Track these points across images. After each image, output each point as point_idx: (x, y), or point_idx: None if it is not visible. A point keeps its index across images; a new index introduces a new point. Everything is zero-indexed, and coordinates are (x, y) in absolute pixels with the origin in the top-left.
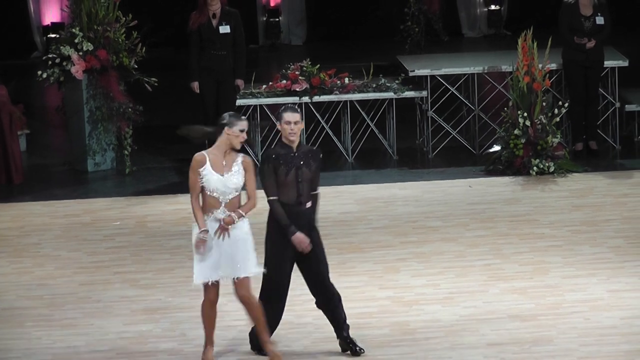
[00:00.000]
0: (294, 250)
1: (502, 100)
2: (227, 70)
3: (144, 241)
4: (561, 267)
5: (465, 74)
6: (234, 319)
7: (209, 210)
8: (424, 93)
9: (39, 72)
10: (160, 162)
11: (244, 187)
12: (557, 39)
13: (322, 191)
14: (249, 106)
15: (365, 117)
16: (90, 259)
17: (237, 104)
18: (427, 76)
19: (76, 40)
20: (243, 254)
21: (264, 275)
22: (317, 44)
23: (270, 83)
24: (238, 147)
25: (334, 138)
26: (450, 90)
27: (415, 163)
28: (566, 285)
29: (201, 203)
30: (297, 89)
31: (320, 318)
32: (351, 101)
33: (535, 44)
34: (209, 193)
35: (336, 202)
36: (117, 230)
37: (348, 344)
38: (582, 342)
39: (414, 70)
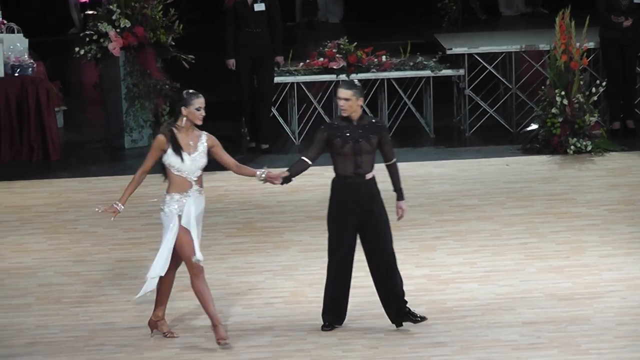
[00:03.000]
0: (355, 224)
1: (540, 78)
2: (263, 47)
3: None
4: (598, 246)
5: (502, 53)
6: (271, 296)
7: (181, 189)
8: (461, 71)
9: (76, 49)
10: None
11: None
12: (595, 17)
13: None
14: (285, 84)
15: (402, 95)
16: (127, 235)
17: (274, 82)
18: (464, 54)
19: (113, 17)
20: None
21: (330, 252)
22: (354, 22)
23: (307, 61)
24: (199, 123)
25: (371, 116)
26: (487, 68)
27: (452, 141)
28: (603, 264)
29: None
30: (334, 67)
31: (356, 296)
32: (388, 79)
33: (572, 22)
34: (176, 173)
35: None
36: (153, 207)
37: (406, 315)
38: (618, 322)
39: (451, 49)
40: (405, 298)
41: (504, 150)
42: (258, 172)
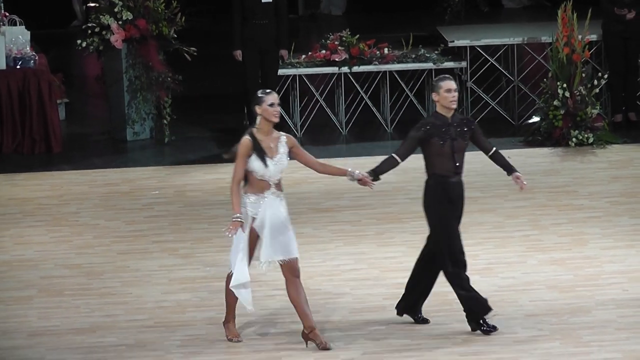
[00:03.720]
0: (454, 218)
1: (542, 71)
2: (270, 39)
3: (182, 210)
4: (600, 239)
5: (504, 45)
6: (273, 289)
7: (259, 191)
8: (464, 64)
9: (79, 41)
10: (199, 131)
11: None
12: (597, 10)
13: (361, 162)
14: (288, 76)
15: (405, 88)
16: (129, 228)
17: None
18: (466, 47)
19: (116, 10)
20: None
21: (436, 244)
22: (357, 14)
23: (310, 53)
24: (275, 120)
25: (373, 108)
26: (489, 61)
27: None
28: (605, 256)
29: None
30: (337, 59)
31: (358, 288)
32: (390, 71)
33: (575, 15)
34: (258, 177)
35: None
36: (155, 199)
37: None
38: (620, 314)
39: (453, 41)
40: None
41: (506, 143)
42: (349, 171)
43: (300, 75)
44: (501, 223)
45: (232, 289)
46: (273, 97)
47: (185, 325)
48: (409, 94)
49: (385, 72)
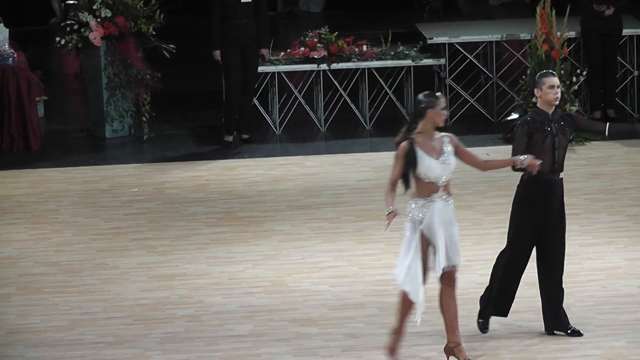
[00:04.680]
0: (542, 224)
1: (521, 68)
2: (250, 38)
3: (161, 208)
4: (579, 235)
5: (483, 42)
6: (252, 286)
7: (426, 195)
8: (442, 61)
9: (57, 39)
10: (178, 129)
11: None
12: (576, 6)
13: (340, 159)
14: (267, 73)
15: (383, 85)
16: (108, 225)
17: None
18: (445, 44)
19: (94, 7)
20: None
21: (508, 249)
22: (335, 11)
23: (289, 50)
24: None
25: (352, 105)
26: (468, 58)
27: None
28: (584, 253)
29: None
30: (315, 57)
31: (337, 285)
32: (369, 69)
33: (553, 11)
34: (425, 180)
35: (353, 169)
36: (134, 197)
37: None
38: (599, 311)
39: (432, 38)
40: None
41: (484, 140)
42: (518, 159)
43: (279, 73)
44: (480, 220)
45: (401, 286)
46: (443, 101)
47: (164, 322)
48: (387, 91)
49: (364, 69)
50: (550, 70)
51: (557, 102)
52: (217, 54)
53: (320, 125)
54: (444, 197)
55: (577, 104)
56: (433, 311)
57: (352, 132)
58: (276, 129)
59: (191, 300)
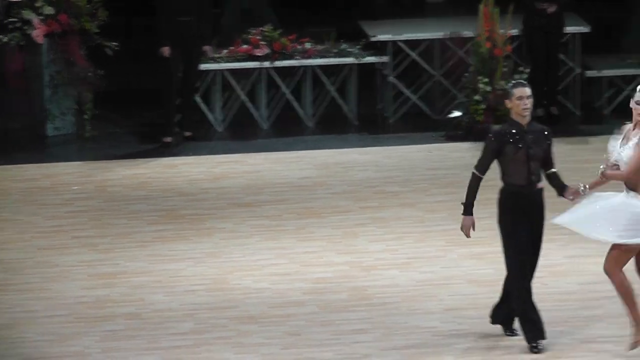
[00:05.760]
0: (527, 231)
1: (464, 65)
2: (194, 36)
3: (103, 206)
4: None
5: (426, 39)
6: (193, 284)
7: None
8: (385, 58)
9: None
10: (121, 127)
11: None
12: (518, 4)
13: (282, 156)
14: (209, 71)
15: (326, 83)
16: (49, 223)
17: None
18: (388, 41)
19: (37, 4)
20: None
21: (507, 260)
22: (279, 9)
23: (232, 48)
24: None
25: (295, 103)
26: (411, 55)
27: (375, 128)
28: None
29: None
30: (259, 54)
31: (277, 283)
32: (312, 66)
33: (497, 9)
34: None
35: (296, 167)
36: (76, 194)
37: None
38: (540, 308)
39: (375, 36)
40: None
41: (427, 137)
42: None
43: (221, 70)
44: (421, 217)
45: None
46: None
47: (104, 320)
48: (330, 88)
49: (307, 66)
50: (521, 81)
51: (527, 114)
52: (166, 50)
53: (263, 123)
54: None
55: None
56: (372, 309)
57: (294, 129)
58: (218, 127)
59: (132, 298)
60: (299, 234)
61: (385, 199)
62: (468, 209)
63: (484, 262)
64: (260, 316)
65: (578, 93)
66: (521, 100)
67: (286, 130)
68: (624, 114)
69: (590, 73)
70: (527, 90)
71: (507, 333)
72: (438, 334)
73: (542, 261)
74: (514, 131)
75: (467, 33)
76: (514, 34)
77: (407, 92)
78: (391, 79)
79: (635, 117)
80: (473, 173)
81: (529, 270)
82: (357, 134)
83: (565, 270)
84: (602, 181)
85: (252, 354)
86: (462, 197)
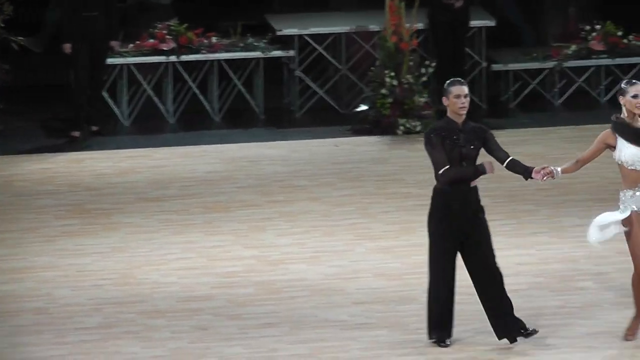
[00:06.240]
0: (456, 236)
1: (370, 59)
2: (99, 31)
3: (10, 200)
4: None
5: (333, 33)
6: (100, 278)
7: (634, 184)
8: (291, 52)
9: None
10: (27, 121)
11: None
12: None
13: (189, 150)
14: (115, 65)
15: (233, 77)
16: None
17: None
18: (294, 35)
19: None
20: None
21: (432, 264)
22: (185, 3)
23: (138, 42)
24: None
25: (201, 97)
26: (317, 49)
27: (282, 122)
28: None
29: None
30: (165, 48)
31: (185, 277)
32: (218, 60)
33: (403, 3)
34: (629, 168)
35: (202, 161)
36: None
37: (519, 330)
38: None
39: (281, 30)
40: (516, 313)
41: (334, 131)
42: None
43: (128, 65)
44: (329, 211)
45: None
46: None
47: (11, 315)
48: (237, 83)
49: (213, 61)
50: (459, 79)
51: (464, 112)
52: (68, 47)
53: (170, 118)
54: None
55: (426, 96)
56: (280, 303)
57: (201, 124)
58: (124, 121)
59: (39, 293)
60: (207, 228)
61: (293, 193)
62: (474, 167)
63: (391, 256)
64: (167, 310)
65: (484, 87)
66: (458, 98)
67: (193, 125)
68: (530, 108)
69: (496, 67)
70: (465, 89)
71: (527, 334)
72: (346, 327)
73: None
74: (449, 129)
75: (374, 27)
76: (420, 28)
77: (313, 86)
78: (298, 73)
79: (634, 110)
80: (440, 174)
81: (452, 271)
82: (264, 128)
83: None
84: (576, 167)
85: (159, 348)
86: (369, 190)
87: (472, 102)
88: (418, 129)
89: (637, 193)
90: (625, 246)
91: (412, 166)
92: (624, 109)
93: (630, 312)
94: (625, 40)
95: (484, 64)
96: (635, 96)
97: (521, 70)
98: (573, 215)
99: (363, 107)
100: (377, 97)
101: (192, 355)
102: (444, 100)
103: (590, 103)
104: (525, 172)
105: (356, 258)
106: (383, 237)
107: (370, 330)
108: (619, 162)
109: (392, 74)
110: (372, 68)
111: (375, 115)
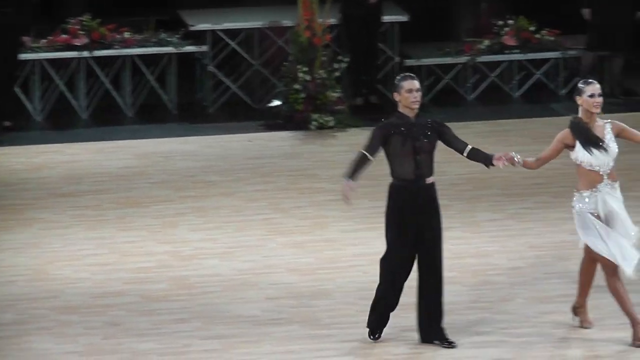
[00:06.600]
0: (414, 231)
1: (284, 55)
2: (11, 26)
3: None
4: (340, 221)
5: (246, 29)
6: (13, 274)
7: (591, 185)
8: (204, 47)
9: None
10: None
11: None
12: None
13: (102, 146)
14: (28, 61)
15: (146, 72)
16: None
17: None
18: (207, 31)
19: None
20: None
21: (387, 259)
22: None
23: (50, 37)
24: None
25: (114, 93)
26: (230, 45)
27: (195, 118)
28: (345, 239)
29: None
30: (77, 44)
31: (98, 273)
32: (131, 56)
33: None
34: (587, 168)
35: (115, 156)
36: None
37: (442, 338)
38: (360, 296)
39: (194, 25)
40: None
41: (247, 127)
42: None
43: (40, 60)
44: (242, 207)
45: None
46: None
47: None
48: (150, 78)
49: (126, 56)
50: (410, 74)
51: (416, 106)
52: None
53: (82, 113)
54: (609, 185)
55: (339, 91)
56: (193, 298)
57: (114, 119)
58: (37, 116)
59: None
60: (119, 223)
61: (205, 188)
62: (347, 174)
63: (304, 251)
64: (80, 306)
65: None
66: (410, 93)
67: (106, 120)
68: (443, 102)
69: (409, 62)
70: (416, 83)
71: (445, 345)
72: (259, 322)
73: (362, 249)
74: (401, 123)
75: (287, 22)
76: (333, 23)
77: (226, 81)
78: (211, 68)
79: (592, 110)
80: (359, 151)
81: (405, 268)
82: (177, 123)
83: None
84: (536, 164)
85: (72, 344)
86: (282, 185)
87: (384, 97)
88: (331, 124)
89: (594, 194)
90: (536, 241)
91: (325, 161)
92: (580, 109)
93: (545, 307)
94: (537, 36)
95: (397, 59)
96: (592, 95)
97: (434, 65)
98: (486, 210)
99: (276, 103)
100: (290, 92)
101: (105, 351)
102: (395, 96)
103: (503, 98)
104: (486, 159)
105: (269, 253)
106: (296, 232)
107: (283, 326)
108: (577, 162)
109: (305, 69)
110: (285, 63)
111: (288, 111)
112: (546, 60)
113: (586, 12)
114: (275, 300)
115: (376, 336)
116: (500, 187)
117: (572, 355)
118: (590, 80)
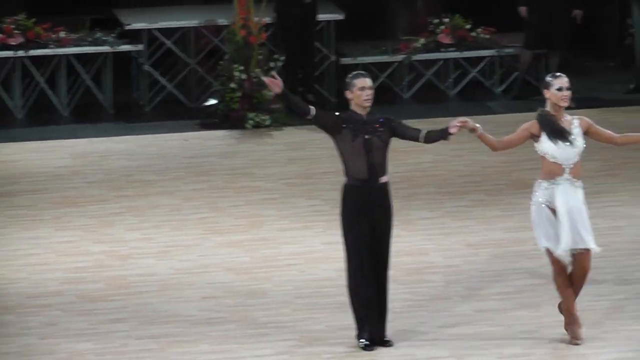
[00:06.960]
0: (367, 232)
1: (219, 53)
2: None
3: None
4: (276, 220)
5: (181, 28)
6: None
7: (551, 177)
8: (140, 47)
9: None
10: None
11: None
12: None
13: (37, 146)
14: None
15: (81, 71)
16: None
17: None
18: (143, 30)
19: None
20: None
21: (346, 256)
22: None
23: None
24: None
25: (50, 92)
26: (166, 44)
27: (131, 117)
28: (282, 238)
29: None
30: (12, 43)
31: (34, 273)
32: (67, 55)
33: None
34: (551, 160)
35: (51, 156)
36: None
37: (380, 339)
38: (297, 295)
39: (130, 24)
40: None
41: (183, 126)
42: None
43: None
44: (178, 206)
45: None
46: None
47: None
48: (85, 77)
49: (61, 55)
50: (362, 72)
51: (368, 104)
52: None
53: (18, 113)
54: (569, 180)
55: None
56: (129, 297)
57: (49, 119)
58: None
59: None
60: (56, 223)
61: (141, 187)
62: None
63: (240, 250)
64: (17, 307)
65: (333, 80)
66: (363, 90)
67: (41, 120)
68: (379, 101)
69: (345, 60)
70: (368, 81)
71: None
72: (195, 322)
73: (299, 248)
74: (352, 120)
75: (222, 21)
76: (269, 22)
77: (162, 80)
78: (146, 67)
79: (560, 103)
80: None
81: (368, 267)
82: (113, 122)
83: (322, 257)
84: (498, 145)
85: (9, 344)
86: (218, 184)
87: (321, 95)
88: (267, 122)
89: (552, 186)
90: (472, 239)
91: (261, 160)
92: (548, 102)
93: (481, 305)
94: (473, 34)
95: (333, 58)
96: (560, 89)
97: (370, 63)
98: (422, 209)
99: (212, 101)
100: (226, 91)
101: (42, 352)
102: (348, 94)
103: (439, 96)
104: (443, 133)
105: (205, 252)
106: (232, 231)
107: (220, 325)
108: (542, 154)
109: (241, 67)
110: (220, 62)
111: (224, 109)
112: (482, 58)
113: (523, 10)
114: (212, 300)
115: (361, 342)
116: (435, 185)
117: (508, 353)
118: (558, 74)
